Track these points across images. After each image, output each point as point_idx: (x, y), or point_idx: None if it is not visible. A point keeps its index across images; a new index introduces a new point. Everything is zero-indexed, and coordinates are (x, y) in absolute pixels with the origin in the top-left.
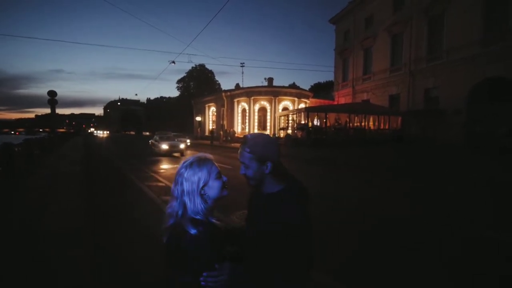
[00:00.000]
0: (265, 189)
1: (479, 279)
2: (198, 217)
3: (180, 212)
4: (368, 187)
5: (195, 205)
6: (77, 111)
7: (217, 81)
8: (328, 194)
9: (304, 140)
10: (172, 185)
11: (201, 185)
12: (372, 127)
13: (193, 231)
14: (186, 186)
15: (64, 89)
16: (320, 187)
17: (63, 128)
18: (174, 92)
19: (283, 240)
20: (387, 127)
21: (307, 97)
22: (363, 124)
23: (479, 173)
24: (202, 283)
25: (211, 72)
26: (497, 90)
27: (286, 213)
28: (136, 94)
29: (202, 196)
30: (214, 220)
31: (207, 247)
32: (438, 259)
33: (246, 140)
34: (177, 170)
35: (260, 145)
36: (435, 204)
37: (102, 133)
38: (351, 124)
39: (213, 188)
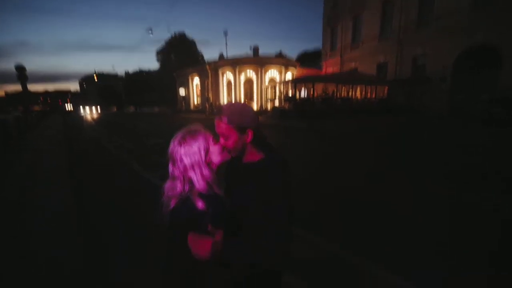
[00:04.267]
0: (246, 159)
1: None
2: (205, 191)
3: (187, 188)
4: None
5: (202, 176)
6: (50, 87)
7: (200, 51)
8: None
9: (292, 111)
10: (169, 167)
11: (203, 153)
12: (359, 96)
13: (202, 206)
14: (187, 160)
15: (33, 64)
16: None
17: (37, 106)
18: (154, 64)
19: (271, 204)
20: (374, 96)
21: (294, 66)
22: (350, 94)
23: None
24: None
25: (192, 42)
26: (482, 58)
27: (273, 179)
28: (113, 67)
29: (208, 164)
30: (220, 194)
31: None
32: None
33: (221, 110)
34: (170, 151)
35: (237, 113)
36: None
37: (90, 111)
38: (338, 94)
39: (215, 153)
